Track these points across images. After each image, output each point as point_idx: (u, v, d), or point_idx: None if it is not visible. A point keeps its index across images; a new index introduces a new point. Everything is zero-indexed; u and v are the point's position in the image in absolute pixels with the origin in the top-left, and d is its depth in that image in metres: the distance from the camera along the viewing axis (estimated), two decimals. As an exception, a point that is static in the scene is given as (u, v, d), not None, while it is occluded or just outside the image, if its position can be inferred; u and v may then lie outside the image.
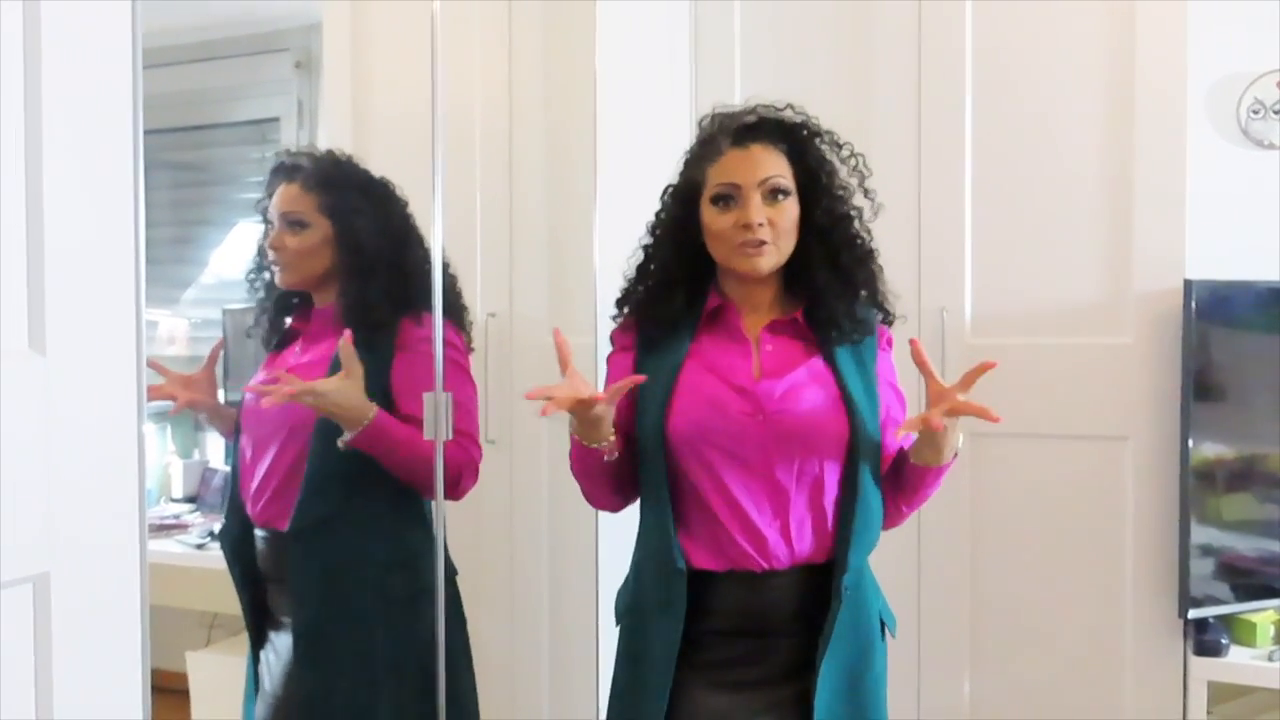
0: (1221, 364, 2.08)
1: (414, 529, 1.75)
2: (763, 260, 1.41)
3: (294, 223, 1.71)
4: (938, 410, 1.31)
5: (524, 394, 1.31)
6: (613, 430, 1.39)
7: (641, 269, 1.53)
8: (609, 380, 1.53)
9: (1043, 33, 2.17)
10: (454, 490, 1.68)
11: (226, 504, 1.78)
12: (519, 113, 2.29)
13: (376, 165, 1.82)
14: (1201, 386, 2.04)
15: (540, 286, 2.27)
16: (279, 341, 1.81)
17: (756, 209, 1.39)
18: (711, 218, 1.43)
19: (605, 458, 1.41)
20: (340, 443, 1.59)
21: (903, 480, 1.44)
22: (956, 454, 1.41)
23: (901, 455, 1.43)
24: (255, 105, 2.85)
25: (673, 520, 1.41)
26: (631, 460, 1.47)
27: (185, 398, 1.77)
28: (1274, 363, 2.08)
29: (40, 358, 0.95)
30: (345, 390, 1.57)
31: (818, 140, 1.47)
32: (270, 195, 1.75)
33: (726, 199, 1.42)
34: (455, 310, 1.78)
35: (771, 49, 2.34)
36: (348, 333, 1.58)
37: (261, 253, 1.81)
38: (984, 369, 1.31)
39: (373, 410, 1.59)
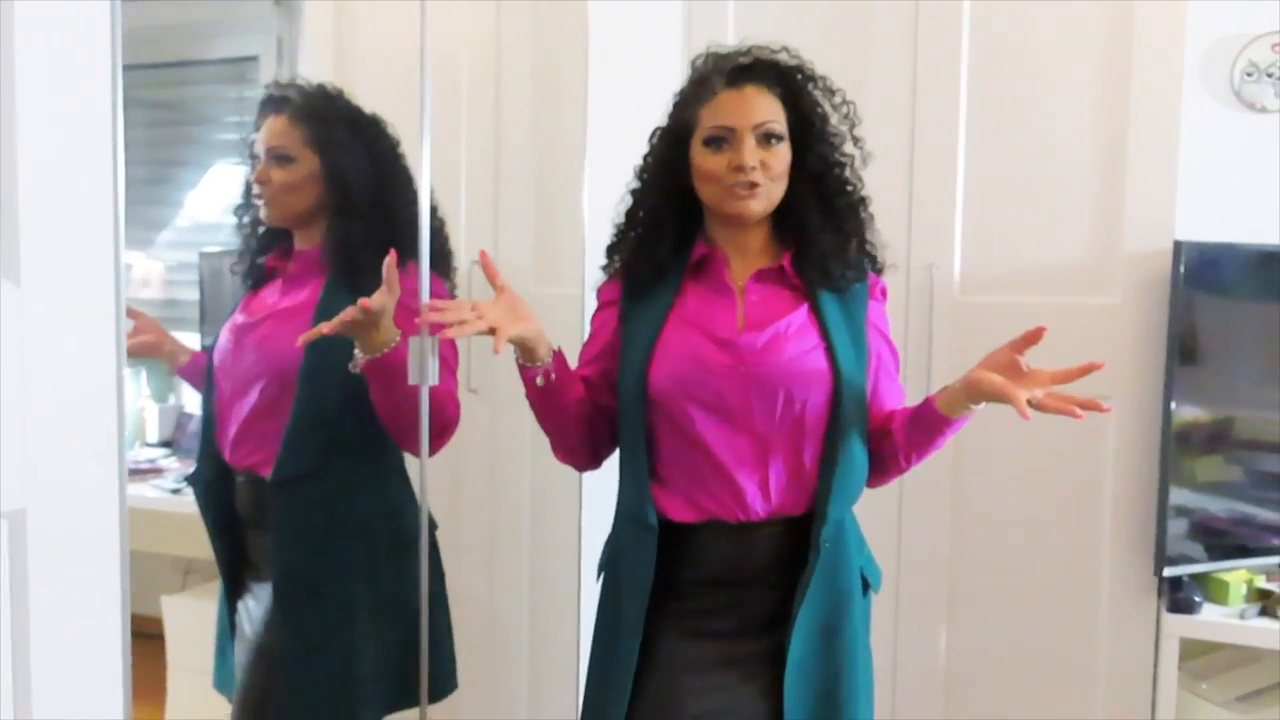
0: (1207, 326, 2.08)
1: (396, 481, 1.73)
2: (754, 203, 1.39)
3: (280, 157, 1.67)
4: (1029, 392, 1.29)
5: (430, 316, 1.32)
6: (550, 354, 1.39)
7: (630, 213, 1.50)
8: (593, 337, 1.52)
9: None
10: (440, 439, 1.65)
11: (200, 448, 1.75)
12: (506, 55, 2.24)
13: (353, 97, 1.76)
14: (1186, 348, 2.05)
15: (526, 235, 2.24)
16: (255, 281, 1.77)
17: (750, 151, 1.37)
18: (703, 159, 1.40)
19: (537, 379, 1.39)
20: (352, 366, 1.54)
21: (920, 430, 1.41)
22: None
23: (924, 405, 1.41)
24: (234, 42, 2.78)
25: (647, 475, 1.40)
26: (602, 414, 1.47)
27: (151, 340, 1.82)
28: (1257, 328, 2.08)
29: (14, 288, 0.91)
30: (388, 309, 1.51)
31: (812, 85, 1.45)
32: (258, 129, 1.70)
33: (719, 141, 1.39)
34: (441, 258, 1.74)
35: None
36: (393, 252, 1.51)
37: (248, 190, 1.76)
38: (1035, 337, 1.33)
39: (397, 335, 1.54)
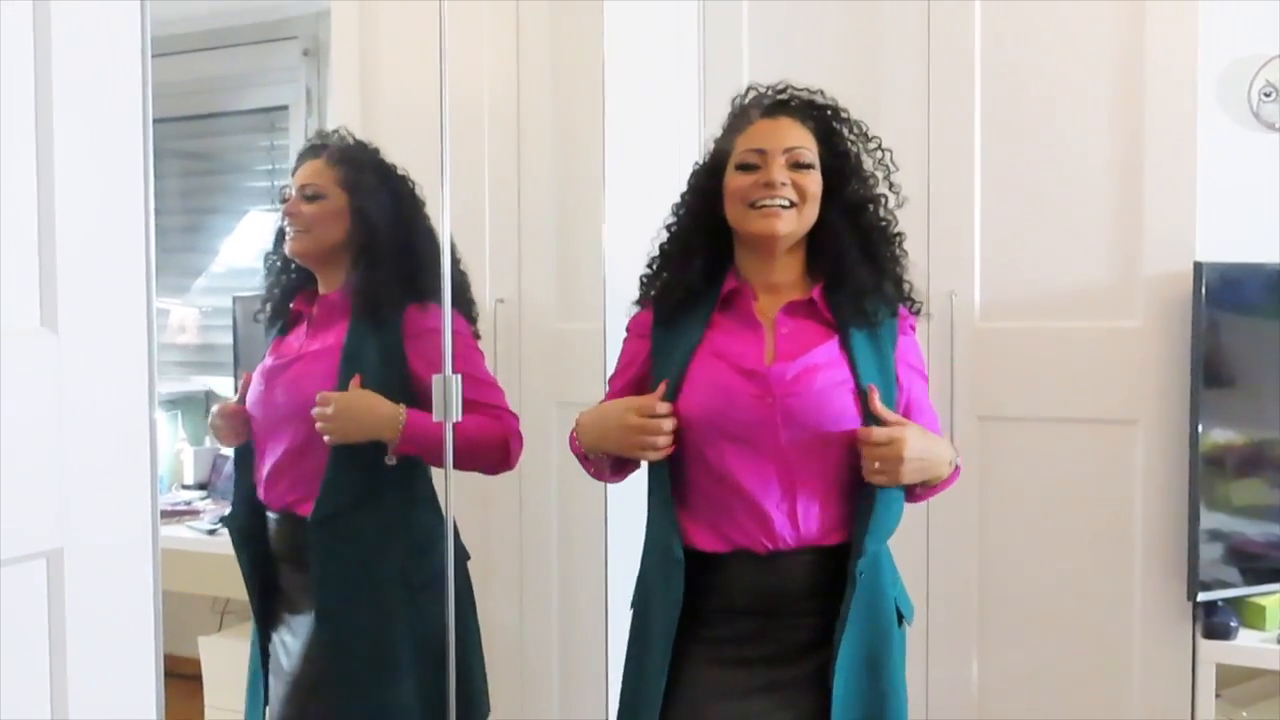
0: (1231, 348, 2.06)
1: (427, 513, 1.76)
2: (780, 223, 1.41)
3: (312, 195, 1.74)
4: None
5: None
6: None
7: (664, 244, 1.54)
8: (624, 367, 1.55)
9: (1053, 16, 2.16)
10: (506, 462, 1.73)
11: (235, 489, 1.79)
12: (527, 98, 2.29)
13: (385, 152, 1.83)
14: (1211, 370, 2.03)
15: (549, 273, 2.27)
16: (283, 325, 1.82)
17: (779, 169, 1.41)
18: (733, 180, 1.44)
19: (591, 470, 1.50)
20: (389, 458, 1.63)
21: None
22: (957, 466, 1.45)
23: None
24: (264, 93, 2.86)
25: (674, 507, 1.42)
26: None
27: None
28: (1285, 347, 2.07)
29: (52, 335, 0.96)
30: (365, 397, 1.61)
31: (846, 127, 1.48)
32: (295, 174, 1.78)
33: (750, 166, 1.43)
34: (461, 300, 1.79)
35: (780, 29, 2.32)
36: (357, 377, 1.63)
37: (279, 236, 1.82)
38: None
39: (402, 410, 1.61)
